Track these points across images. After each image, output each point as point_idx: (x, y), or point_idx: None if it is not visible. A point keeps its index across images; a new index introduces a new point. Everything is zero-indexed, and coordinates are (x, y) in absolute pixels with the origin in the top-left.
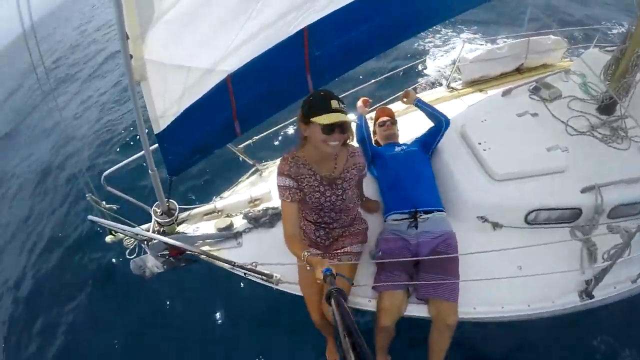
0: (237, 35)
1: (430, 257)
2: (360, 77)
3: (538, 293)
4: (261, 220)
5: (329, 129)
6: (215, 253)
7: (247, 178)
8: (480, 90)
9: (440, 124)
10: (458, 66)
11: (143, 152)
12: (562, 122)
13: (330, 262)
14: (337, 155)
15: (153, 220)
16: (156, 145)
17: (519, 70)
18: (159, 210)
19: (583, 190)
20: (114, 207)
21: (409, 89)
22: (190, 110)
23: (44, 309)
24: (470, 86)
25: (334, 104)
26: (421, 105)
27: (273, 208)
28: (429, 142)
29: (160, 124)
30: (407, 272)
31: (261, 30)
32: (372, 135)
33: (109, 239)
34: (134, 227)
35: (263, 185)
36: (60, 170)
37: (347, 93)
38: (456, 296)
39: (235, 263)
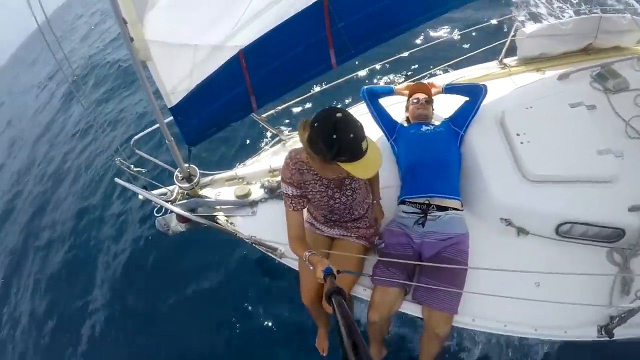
0: (247, 9)
1: (434, 264)
2: (393, 47)
3: (550, 318)
4: (277, 192)
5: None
6: (229, 220)
7: (271, 147)
8: (537, 70)
9: (477, 93)
10: (514, 39)
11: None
12: (623, 120)
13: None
14: None
15: (176, 184)
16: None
17: (586, 51)
18: (180, 175)
19: (632, 209)
20: (142, 170)
21: (424, 81)
22: (202, 86)
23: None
24: (526, 64)
25: (364, 145)
26: (452, 88)
27: None
28: (463, 116)
29: (172, 100)
30: (406, 271)
31: (273, 2)
32: (404, 112)
33: (140, 196)
34: (155, 189)
35: (284, 156)
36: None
37: (379, 64)
38: (453, 307)
39: (237, 234)
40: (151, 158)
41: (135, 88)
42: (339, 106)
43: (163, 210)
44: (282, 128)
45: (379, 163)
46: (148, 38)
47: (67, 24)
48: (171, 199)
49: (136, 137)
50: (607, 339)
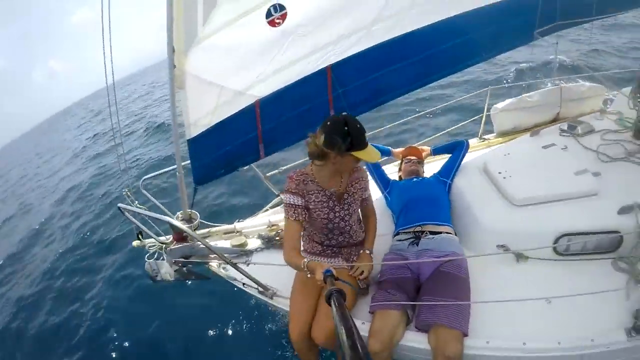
0: (268, 66)
1: (434, 278)
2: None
3: (572, 328)
4: (273, 240)
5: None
6: (221, 268)
7: (271, 207)
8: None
9: (460, 146)
10: (488, 115)
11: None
12: (594, 150)
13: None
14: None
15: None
16: (187, 162)
17: (555, 121)
18: (180, 216)
19: (620, 211)
20: (145, 207)
21: (413, 147)
22: (220, 124)
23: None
24: (503, 137)
25: (365, 137)
26: (438, 148)
27: None
28: (449, 167)
29: (192, 131)
30: (406, 293)
31: (290, 64)
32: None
33: (135, 243)
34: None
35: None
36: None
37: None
38: (462, 325)
39: (228, 277)
40: (154, 200)
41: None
42: None
43: (155, 256)
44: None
45: (378, 156)
46: (187, 69)
47: None
48: (167, 241)
49: (146, 176)
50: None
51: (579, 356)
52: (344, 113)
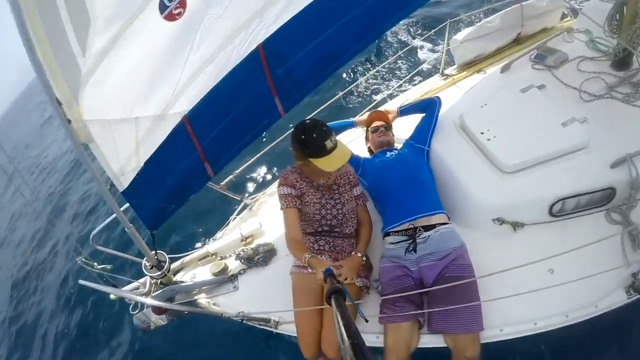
0: (183, 73)
1: (438, 287)
2: (343, 78)
3: (577, 298)
4: (254, 259)
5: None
6: (212, 301)
7: (238, 215)
8: (478, 72)
9: (432, 106)
10: (448, 49)
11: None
12: (575, 88)
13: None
14: None
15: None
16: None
17: (517, 41)
18: (148, 264)
19: (613, 165)
20: (107, 267)
21: (377, 111)
22: (151, 161)
23: None
24: (466, 69)
25: (329, 144)
26: (406, 109)
27: (264, 245)
28: (423, 131)
29: (122, 182)
30: (413, 302)
31: (208, 61)
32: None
33: (112, 296)
34: (126, 284)
35: (253, 221)
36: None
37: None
38: (478, 325)
39: (223, 314)
40: (115, 252)
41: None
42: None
43: (139, 307)
44: (245, 193)
45: (343, 160)
46: (86, 118)
47: None
48: (145, 292)
49: (94, 231)
50: (639, 295)
51: (585, 322)
52: (307, 121)
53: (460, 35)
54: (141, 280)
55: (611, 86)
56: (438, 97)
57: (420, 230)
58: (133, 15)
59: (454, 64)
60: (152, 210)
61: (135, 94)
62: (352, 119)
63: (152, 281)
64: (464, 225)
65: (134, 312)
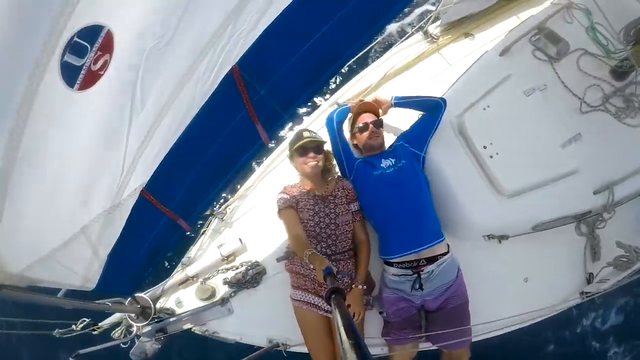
0: (127, 149)
1: (442, 313)
2: None
3: (544, 301)
4: (244, 283)
5: (303, 150)
6: (205, 326)
7: (208, 227)
8: (466, 36)
9: (436, 110)
10: (440, 11)
11: None
12: (576, 96)
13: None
14: (329, 181)
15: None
16: None
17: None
18: (133, 316)
19: (596, 192)
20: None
21: (366, 102)
22: (115, 251)
23: None
24: (452, 31)
25: (306, 133)
26: (403, 103)
27: (252, 265)
28: (422, 136)
29: (90, 285)
30: (417, 326)
31: (161, 114)
32: (349, 141)
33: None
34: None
35: (229, 234)
36: None
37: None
38: (468, 340)
39: (225, 341)
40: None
41: None
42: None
43: (129, 341)
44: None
45: (312, 142)
46: (17, 271)
47: None
48: (136, 334)
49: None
50: (588, 299)
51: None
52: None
53: None
54: (116, 316)
55: (607, 96)
56: (444, 100)
57: (423, 262)
58: (23, 100)
59: (438, 22)
60: (129, 282)
61: (70, 207)
62: (346, 105)
63: (140, 325)
64: (454, 236)
65: (125, 346)
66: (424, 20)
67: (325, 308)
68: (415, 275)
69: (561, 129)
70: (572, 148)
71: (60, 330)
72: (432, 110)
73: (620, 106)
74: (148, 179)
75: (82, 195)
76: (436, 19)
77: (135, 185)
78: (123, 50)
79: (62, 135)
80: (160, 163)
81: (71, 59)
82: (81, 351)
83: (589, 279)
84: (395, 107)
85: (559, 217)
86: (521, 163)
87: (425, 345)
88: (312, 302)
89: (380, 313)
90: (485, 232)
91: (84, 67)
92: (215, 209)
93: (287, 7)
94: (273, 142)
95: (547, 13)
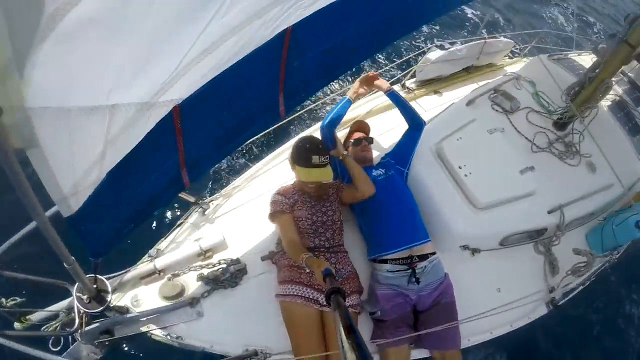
0: (192, 48)
1: (434, 311)
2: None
3: (517, 312)
4: (222, 280)
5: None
6: (168, 330)
7: (187, 219)
8: (435, 92)
9: (417, 128)
10: (420, 66)
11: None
12: (527, 138)
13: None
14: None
15: (75, 304)
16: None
17: (467, 70)
18: (84, 297)
19: (550, 211)
20: (17, 299)
21: (361, 121)
22: (118, 170)
23: None
24: (424, 86)
25: (315, 159)
26: (396, 97)
27: (234, 262)
28: (406, 154)
29: (72, 204)
30: (410, 325)
31: (228, 34)
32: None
33: (17, 325)
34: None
35: (210, 229)
36: None
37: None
38: (459, 341)
39: (192, 349)
40: (28, 277)
41: None
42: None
43: (62, 344)
44: (203, 195)
45: (319, 179)
46: (31, 105)
47: None
48: (74, 327)
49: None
50: (554, 308)
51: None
52: (312, 136)
53: (432, 55)
54: (62, 305)
55: (551, 142)
56: (424, 121)
57: (416, 259)
58: None
59: (414, 78)
60: (103, 235)
61: (119, 70)
62: (346, 97)
63: (82, 312)
64: (436, 245)
65: (55, 349)
66: (403, 74)
67: (321, 302)
68: (410, 270)
69: (518, 159)
70: (529, 175)
71: None
72: (413, 128)
73: (562, 150)
74: (186, 96)
75: (136, 67)
76: (412, 76)
77: (174, 96)
78: None
79: None
80: (200, 88)
81: None
82: None
83: (551, 290)
84: (388, 96)
85: (523, 230)
86: (490, 182)
87: (416, 353)
88: (307, 295)
89: (371, 314)
90: (462, 242)
91: None
92: (200, 196)
93: (331, 3)
94: (286, 118)
95: (502, 80)
